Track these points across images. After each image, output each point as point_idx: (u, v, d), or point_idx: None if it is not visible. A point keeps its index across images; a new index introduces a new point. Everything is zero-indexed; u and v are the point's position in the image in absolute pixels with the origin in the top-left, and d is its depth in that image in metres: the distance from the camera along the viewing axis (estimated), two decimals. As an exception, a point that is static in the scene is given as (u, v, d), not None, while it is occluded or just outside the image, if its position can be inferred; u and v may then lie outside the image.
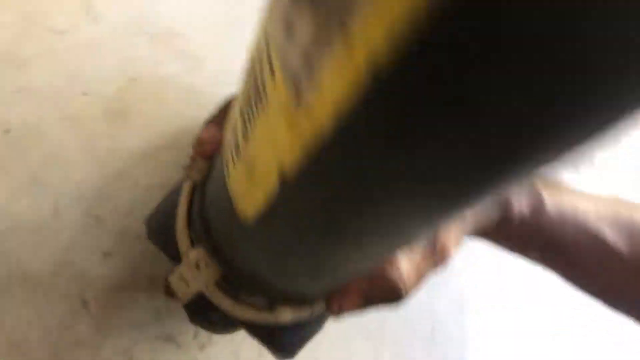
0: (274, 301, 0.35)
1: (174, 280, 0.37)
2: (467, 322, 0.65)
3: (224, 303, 0.35)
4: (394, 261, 0.32)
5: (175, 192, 0.43)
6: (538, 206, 0.39)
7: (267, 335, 0.39)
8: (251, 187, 0.21)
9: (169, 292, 0.54)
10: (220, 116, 0.34)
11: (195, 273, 0.34)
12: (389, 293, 0.32)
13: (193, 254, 0.33)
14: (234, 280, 0.34)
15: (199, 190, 0.35)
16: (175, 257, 0.39)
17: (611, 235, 0.42)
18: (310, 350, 0.48)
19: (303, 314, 0.36)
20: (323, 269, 0.26)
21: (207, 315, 0.49)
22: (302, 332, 0.40)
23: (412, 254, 0.33)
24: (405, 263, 0.32)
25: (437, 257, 0.33)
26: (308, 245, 0.23)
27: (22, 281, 0.52)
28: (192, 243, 0.36)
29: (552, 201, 0.40)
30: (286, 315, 0.35)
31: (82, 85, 0.59)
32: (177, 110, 0.61)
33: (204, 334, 0.56)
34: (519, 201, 0.39)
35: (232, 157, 0.23)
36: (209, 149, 0.33)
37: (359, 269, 0.29)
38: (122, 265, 0.55)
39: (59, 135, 0.57)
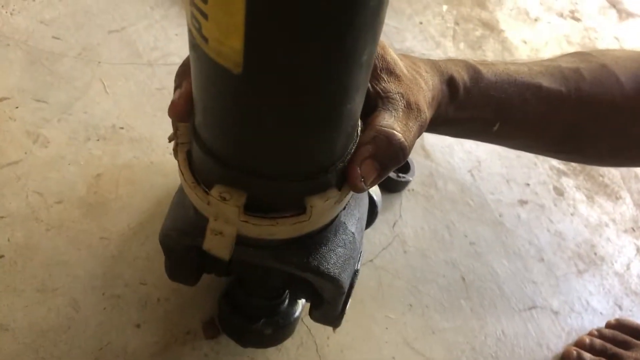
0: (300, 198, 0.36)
1: (208, 241, 0.37)
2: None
3: (263, 224, 0.35)
4: (384, 125, 0.37)
5: (173, 207, 0.45)
6: (476, 75, 0.47)
7: (309, 259, 0.40)
8: (226, 22, 0.25)
9: (209, 334, 0.56)
10: (180, 80, 0.37)
11: (223, 207, 0.34)
12: (397, 151, 0.37)
13: (215, 191, 0.34)
14: (258, 201, 0.35)
15: (191, 150, 0.37)
16: (200, 249, 0.41)
17: (546, 82, 0.51)
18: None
19: (330, 198, 0.36)
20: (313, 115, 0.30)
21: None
22: (339, 250, 0.42)
23: (398, 117, 0.38)
24: (397, 125, 0.37)
25: (416, 113, 0.39)
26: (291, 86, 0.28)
27: (69, 378, 0.52)
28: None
29: (486, 69, 0.48)
30: (318, 207, 0.35)
31: (53, 196, 0.62)
32: (148, 185, 0.65)
33: (260, 359, 0.57)
34: (458, 72, 0.46)
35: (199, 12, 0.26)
36: (181, 109, 0.35)
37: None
38: (156, 329, 0.56)
39: (49, 244, 0.59)
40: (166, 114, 0.36)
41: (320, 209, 0.36)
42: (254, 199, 0.35)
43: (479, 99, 0.47)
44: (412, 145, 0.39)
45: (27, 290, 0.56)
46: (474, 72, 0.48)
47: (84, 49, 0.76)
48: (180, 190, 0.45)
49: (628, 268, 0.75)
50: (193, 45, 0.28)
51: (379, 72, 0.40)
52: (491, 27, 1.03)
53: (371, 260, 0.67)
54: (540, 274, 0.72)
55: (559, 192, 0.81)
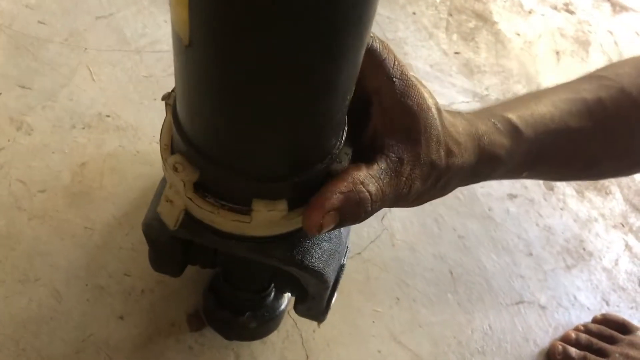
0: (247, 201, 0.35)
1: (161, 206, 0.37)
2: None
3: (205, 208, 0.34)
4: (364, 183, 0.35)
5: (156, 196, 0.45)
6: (517, 138, 0.45)
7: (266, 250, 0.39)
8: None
9: (194, 326, 0.56)
10: None
11: (174, 177, 0.34)
12: (359, 215, 0.35)
13: (171, 159, 0.33)
14: (212, 187, 0.34)
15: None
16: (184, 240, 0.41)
17: (574, 122, 0.50)
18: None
19: (276, 211, 0.34)
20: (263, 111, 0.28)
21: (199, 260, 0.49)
22: (324, 245, 0.41)
23: (380, 180, 0.36)
24: (373, 186, 0.35)
25: (400, 186, 0.37)
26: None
27: (50, 370, 0.51)
28: None
29: (524, 124, 0.46)
30: (262, 213, 0.34)
31: (36, 185, 0.61)
32: (133, 175, 0.64)
33: (245, 352, 0.56)
34: (502, 145, 0.44)
35: None
36: None
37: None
38: (140, 320, 0.55)
39: (32, 234, 0.58)
40: (153, 102, 0.35)
41: (264, 216, 0.34)
42: (207, 181, 0.34)
43: (517, 163, 0.47)
44: (377, 211, 0.37)
45: (7, 280, 0.55)
46: (516, 134, 0.45)
47: (70, 34, 0.74)
48: (164, 180, 0.44)
49: (616, 264, 0.75)
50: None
51: (399, 126, 0.37)
52: (484, 19, 1.02)
53: (359, 253, 0.66)
54: (528, 269, 0.71)
55: (549, 186, 0.81)
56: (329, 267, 0.42)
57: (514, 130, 0.46)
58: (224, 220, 0.35)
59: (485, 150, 0.42)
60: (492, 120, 0.45)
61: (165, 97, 0.36)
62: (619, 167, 0.60)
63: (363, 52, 0.29)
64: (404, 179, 0.37)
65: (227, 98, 0.28)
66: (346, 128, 0.35)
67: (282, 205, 0.34)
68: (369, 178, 0.35)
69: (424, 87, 0.39)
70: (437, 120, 0.38)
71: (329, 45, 0.25)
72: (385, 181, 0.36)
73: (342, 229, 0.44)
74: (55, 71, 0.70)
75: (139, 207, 0.62)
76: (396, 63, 0.37)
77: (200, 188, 0.34)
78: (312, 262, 0.40)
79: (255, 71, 0.26)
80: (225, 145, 0.31)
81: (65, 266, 0.57)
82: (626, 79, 0.55)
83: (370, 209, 0.35)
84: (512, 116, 0.46)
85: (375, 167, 0.36)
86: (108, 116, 0.68)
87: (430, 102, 0.38)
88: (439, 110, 0.39)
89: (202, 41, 0.25)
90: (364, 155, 0.37)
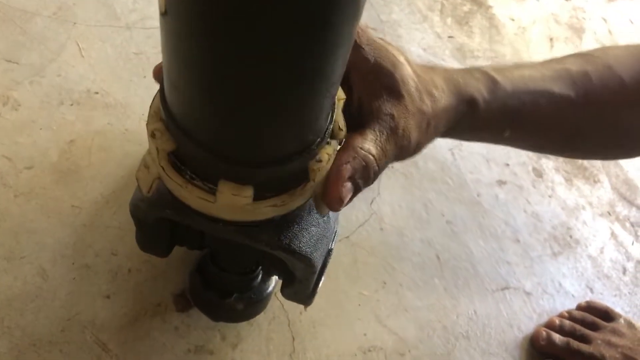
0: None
1: (138, 170, 0.38)
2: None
3: (174, 179, 0.34)
4: (364, 148, 0.37)
5: None
6: (493, 87, 0.47)
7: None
8: None
9: (180, 307, 0.56)
10: None
11: (151, 143, 0.34)
12: (370, 177, 0.38)
13: (151, 125, 0.34)
14: (187, 160, 0.34)
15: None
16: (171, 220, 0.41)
17: (557, 88, 0.51)
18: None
19: (241, 196, 0.34)
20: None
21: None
22: (312, 229, 0.41)
23: (379, 140, 0.38)
24: (375, 149, 0.38)
25: (400, 139, 0.39)
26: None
27: (36, 348, 0.51)
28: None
29: (502, 78, 0.48)
30: (226, 195, 0.34)
31: (23, 162, 0.60)
32: (121, 153, 0.63)
33: (231, 333, 0.56)
34: (477, 89, 0.46)
35: None
36: None
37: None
38: (126, 300, 0.55)
39: (18, 211, 0.57)
40: (143, 79, 0.35)
41: (228, 199, 0.34)
42: (184, 154, 0.34)
43: (496, 112, 0.47)
44: (384, 168, 0.39)
45: (-7, 257, 0.55)
46: (492, 83, 0.47)
47: (59, 8, 0.73)
48: None
49: (602, 252, 0.76)
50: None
51: (380, 88, 0.39)
52: (479, 3, 1.01)
53: (347, 237, 0.66)
54: (515, 255, 0.72)
55: (538, 173, 0.81)
56: (316, 251, 0.42)
57: (490, 80, 0.47)
58: (190, 196, 0.35)
59: (462, 91, 0.45)
60: (469, 72, 0.47)
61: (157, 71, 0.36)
62: (606, 144, 0.60)
63: (350, 41, 0.28)
64: (401, 131, 0.39)
65: (199, 71, 0.28)
66: (330, 127, 0.35)
67: (248, 192, 0.34)
68: (367, 142, 0.38)
69: (392, 46, 0.41)
70: (412, 71, 0.41)
71: (309, 21, 0.24)
72: (383, 139, 0.38)
73: (331, 214, 0.44)
74: (43, 46, 0.69)
75: (127, 186, 0.61)
76: (359, 32, 0.39)
77: (178, 160, 0.34)
78: (299, 246, 0.40)
79: (227, 46, 0.25)
80: (197, 120, 0.31)
81: (52, 244, 0.56)
82: (614, 58, 0.56)
83: (377, 168, 0.38)
84: (489, 70, 0.48)
85: (370, 130, 0.38)
86: (97, 93, 0.67)
87: (401, 58, 0.41)
88: (409, 62, 0.41)
89: (175, 9, 0.25)
90: (357, 126, 0.38)
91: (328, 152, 0.36)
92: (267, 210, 0.36)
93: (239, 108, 0.29)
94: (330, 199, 0.36)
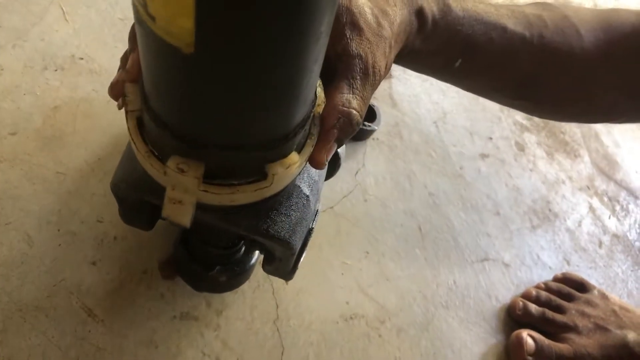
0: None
1: (167, 209, 0.36)
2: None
3: (223, 192, 0.35)
4: (344, 104, 0.37)
5: (124, 157, 0.44)
6: (445, 8, 0.48)
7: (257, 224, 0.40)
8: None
9: (166, 274, 0.56)
10: (133, 45, 0.36)
11: (182, 179, 0.33)
12: (354, 129, 0.38)
13: (171, 163, 0.33)
14: (217, 170, 0.34)
15: (142, 117, 0.35)
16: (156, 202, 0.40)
17: (512, 24, 0.51)
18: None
19: (292, 165, 0.35)
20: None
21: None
22: (291, 213, 0.42)
23: (355, 88, 0.38)
24: (355, 101, 0.38)
25: (372, 77, 0.40)
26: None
27: (22, 313, 0.51)
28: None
29: (455, 3, 0.49)
30: (278, 172, 0.35)
31: (7, 128, 0.60)
32: (106, 121, 0.63)
33: (216, 300, 0.57)
34: (428, 3, 0.46)
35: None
36: (135, 70, 0.35)
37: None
38: (112, 267, 0.56)
39: (1, 177, 0.57)
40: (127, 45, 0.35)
41: (282, 175, 0.35)
42: (212, 168, 0.34)
43: (445, 32, 0.48)
44: (364, 112, 0.40)
45: (-22, 223, 0.55)
46: (444, 4, 0.48)
47: (42, -30, 0.72)
48: None
49: (579, 225, 0.78)
50: (139, 21, 0.26)
51: (342, 27, 0.39)
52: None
53: (331, 207, 0.67)
54: (495, 228, 0.73)
55: (520, 147, 0.82)
56: (295, 235, 0.42)
57: (441, 1, 0.48)
58: (245, 195, 0.35)
59: (414, 3, 0.45)
60: None
61: (121, 106, 0.36)
62: (559, 96, 0.59)
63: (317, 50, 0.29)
64: (371, 69, 0.40)
65: (241, 93, 0.28)
66: (305, 129, 0.35)
67: (295, 158, 0.35)
68: (345, 96, 0.38)
69: None
70: (362, 1, 0.41)
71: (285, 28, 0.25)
72: (359, 85, 0.39)
73: (311, 197, 0.44)
74: (25, 8, 0.68)
75: (112, 154, 0.61)
76: None
77: (208, 175, 0.34)
78: (277, 231, 0.41)
79: (269, 66, 0.26)
80: (235, 131, 0.31)
81: (37, 211, 0.57)
82: (573, 11, 0.56)
83: (360, 118, 0.38)
84: None
85: (344, 81, 0.38)
86: (81, 59, 0.66)
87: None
88: None
89: (212, 47, 0.25)
90: (326, 73, 0.38)
91: (293, 160, 0.36)
92: (300, 168, 0.37)
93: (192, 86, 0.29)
94: (316, 163, 0.37)
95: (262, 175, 0.35)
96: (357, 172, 0.71)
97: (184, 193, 0.35)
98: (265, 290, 0.60)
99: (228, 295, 0.58)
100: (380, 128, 0.74)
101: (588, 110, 0.61)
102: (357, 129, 0.39)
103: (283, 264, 0.45)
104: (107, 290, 0.55)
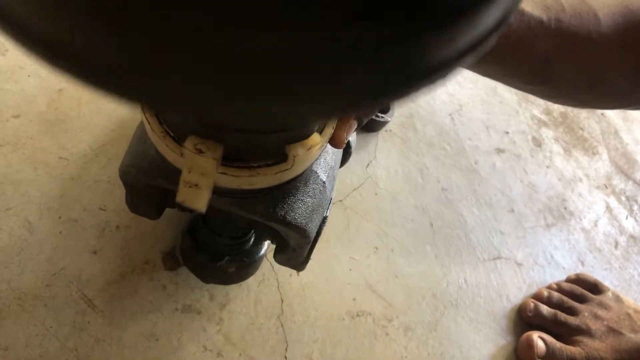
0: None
1: (182, 193, 0.34)
2: (441, 216, 0.70)
3: (242, 174, 0.33)
4: None
5: (134, 140, 0.42)
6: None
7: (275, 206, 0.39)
8: None
9: (169, 265, 0.55)
10: None
11: (199, 160, 0.31)
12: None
13: (189, 143, 0.31)
14: (236, 151, 0.33)
15: None
16: (166, 186, 0.39)
17: (529, 7, 0.49)
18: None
19: (313, 146, 0.34)
20: None
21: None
22: (308, 200, 0.41)
23: None
24: None
25: None
26: None
27: (20, 302, 0.50)
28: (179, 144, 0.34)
29: None
30: (299, 153, 0.33)
31: (10, 110, 0.58)
32: (111, 106, 0.61)
33: (219, 294, 0.56)
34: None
35: None
36: None
37: None
38: (113, 257, 0.54)
39: (3, 161, 0.56)
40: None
41: (303, 157, 0.34)
42: (231, 150, 0.32)
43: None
44: None
45: (-22, 207, 0.53)
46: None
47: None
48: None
49: (595, 225, 0.76)
50: None
51: None
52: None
53: (341, 200, 0.65)
54: (508, 225, 0.71)
55: (537, 142, 0.80)
56: (311, 222, 0.41)
57: None
58: (265, 178, 0.34)
59: None
60: None
61: None
62: (575, 83, 0.57)
63: None
64: None
65: None
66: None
67: (317, 139, 0.34)
68: None
69: None
70: None
71: None
72: None
73: (327, 183, 0.43)
74: (32, -13, 0.66)
75: (117, 140, 0.60)
76: None
77: (226, 157, 0.33)
78: (294, 217, 0.39)
79: None
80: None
81: (38, 197, 0.55)
82: None
83: None
84: None
85: None
86: (87, 40, 0.65)
87: None
88: None
89: None
90: None
91: (315, 141, 0.34)
92: (321, 150, 0.36)
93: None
94: (337, 142, 0.37)
95: (282, 157, 0.34)
96: (368, 165, 0.69)
97: (201, 176, 0.33)
98: (270, 284, 0.58)
99: (232, 289, 0.56)
100: (393, 119, 0.72)
101: (603, 95, 0.59)
102: (378, 107, 0.39)
103: (297, 253, 0.44)
104: (108, 281, 0.53)
